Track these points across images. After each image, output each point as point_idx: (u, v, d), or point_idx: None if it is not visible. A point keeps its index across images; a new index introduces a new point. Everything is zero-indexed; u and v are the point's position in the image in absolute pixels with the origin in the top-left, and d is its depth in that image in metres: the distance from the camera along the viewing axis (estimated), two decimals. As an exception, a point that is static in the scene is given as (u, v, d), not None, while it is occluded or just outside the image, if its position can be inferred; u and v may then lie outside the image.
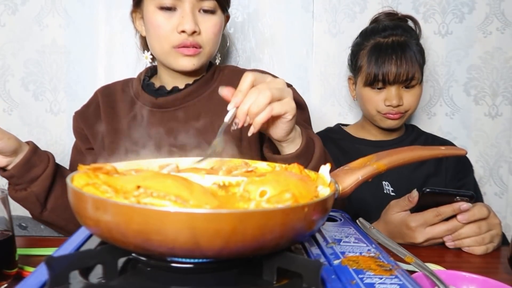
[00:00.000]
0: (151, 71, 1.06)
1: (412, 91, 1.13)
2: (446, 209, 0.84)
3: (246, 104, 0.66)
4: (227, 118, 0.67)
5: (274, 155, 0.80)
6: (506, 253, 0.78)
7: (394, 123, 1.15)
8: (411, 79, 1.10)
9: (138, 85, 1.02)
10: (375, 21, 1.22)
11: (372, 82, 1.12)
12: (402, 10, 1.30)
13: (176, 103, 0.98)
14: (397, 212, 0.90)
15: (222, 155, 0.67)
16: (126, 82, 1.07)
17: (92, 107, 1.05)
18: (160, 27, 0.91)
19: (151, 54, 1.02)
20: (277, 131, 0.73)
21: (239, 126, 0.67)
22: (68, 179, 0.49)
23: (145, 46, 1.04)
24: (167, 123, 0.96)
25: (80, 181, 0.48)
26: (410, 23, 1.21)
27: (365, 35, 1.18)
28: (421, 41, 1.19)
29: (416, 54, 1.11)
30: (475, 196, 0.85)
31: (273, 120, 0.70)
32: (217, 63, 1.05)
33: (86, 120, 1.03)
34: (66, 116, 1.30)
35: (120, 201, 0.42)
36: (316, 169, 0.72)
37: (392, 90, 1.11)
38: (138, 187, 0.45)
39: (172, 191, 0.45)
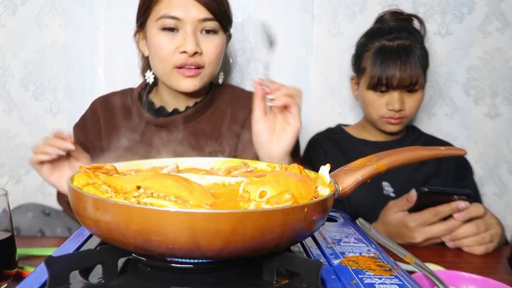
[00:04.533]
0: (150, 86, 1.06)
1: (415, 95, 1.12)
2: (444, 208, 0.85)
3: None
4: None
5: None
6: (506, 253, 0.78)
7: (395, 128, 1.15)
8: (415, 84, 1.09)
9: (138, 102, 1.03)
10: (380, 20, 1.21)
11: (376, 86, 1.11)
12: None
13: (176, 124, 0.99)
14: (395, 212, 0.90)
15: None
16: (125, 95, 1.07)
17: (91, 120, 1.05)
18: (162, 48, 0.92)
19: (153, 74, 1.02)
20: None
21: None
22: (68, 179, 0.49)
23: (147, 66, 1.04)
24: (167, 144, 0.96)
25: (80, 181, 0.48)
26: (416, 22, 1.20)
27: (370, 36, 1.17)
28: (421, 41, 1.19)
29: (420, 59, 1.10)
30: (473, 195, 0.86)
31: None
32: (220, 82, 1.05)
33: (86, 135, 1.04)
34: (66, 116, 1.30)
35: (120, 201, 0.42)
36: None
37: (394, 95, 1.10)
38: (138, 187, 0.45)
39: (172, 192, 0.45)
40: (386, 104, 1.12)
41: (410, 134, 1.24)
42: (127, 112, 1.03)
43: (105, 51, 1.29)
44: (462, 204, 0.84)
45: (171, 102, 1.02)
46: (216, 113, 1.02)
